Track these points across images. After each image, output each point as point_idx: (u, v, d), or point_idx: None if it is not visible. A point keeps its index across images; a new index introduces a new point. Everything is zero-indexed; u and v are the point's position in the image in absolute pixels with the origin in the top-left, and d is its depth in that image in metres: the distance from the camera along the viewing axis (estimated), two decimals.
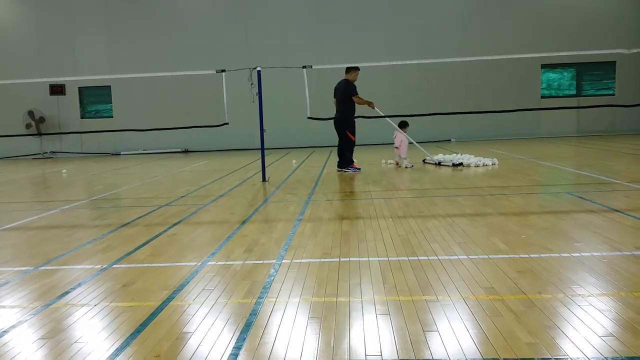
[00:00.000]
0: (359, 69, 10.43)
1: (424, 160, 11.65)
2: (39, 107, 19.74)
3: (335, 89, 10.67)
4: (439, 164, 11.10)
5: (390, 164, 11.56)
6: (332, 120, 10.66)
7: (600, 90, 18.94)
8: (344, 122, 10.44)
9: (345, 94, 10.33)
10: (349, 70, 10.43)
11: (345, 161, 10.60)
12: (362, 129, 11.25)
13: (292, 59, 16.56)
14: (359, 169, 10.61)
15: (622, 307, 3.08)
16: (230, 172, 11.53)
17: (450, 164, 10.81)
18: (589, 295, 3.29)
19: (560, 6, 18.48)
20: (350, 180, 9.40)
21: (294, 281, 3.80)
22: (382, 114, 10.83)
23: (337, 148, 10.85)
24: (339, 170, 10.64)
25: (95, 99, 20.21)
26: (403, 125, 11.23)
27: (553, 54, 16.20)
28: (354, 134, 10.49)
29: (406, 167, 10.80)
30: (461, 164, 10.69)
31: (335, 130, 10.69)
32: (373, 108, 10.48)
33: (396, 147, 11.07)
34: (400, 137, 11.01)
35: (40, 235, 5.93)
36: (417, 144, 11.60)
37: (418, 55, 16.84)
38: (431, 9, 18.74)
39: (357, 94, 10.32)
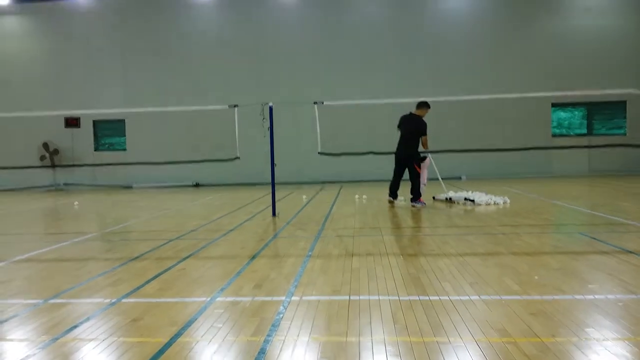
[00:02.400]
0: (430, 107, 10.37)
1: (434, 197, 11.62)
2: (54, 139, 20.09)
3: (402, 121, 10.58)
4: (450, 200, 11.06)
5: (401, 200, 11.52)
6: (341, 156, 10.70)
7: (612, 129, 18.94)
8: (412, 157, 10.41)
9: (419, 130, 10.25)
10: (420, 105, 10.34)
11: (416, 193, 10.40)
12: (380, 164, 11.08)
13: (303, 94, 16.81)
14: (425, 203, 10.47)
15: (638, 352, 3.01)
16: (240, 207, 11.56)
17: (461, 201, 10.77)
18: (604, 340, 3.23)
19: (570, 46, 18.68)
20: (360, 217, 9.38)
21: (303, 319, 3.76)
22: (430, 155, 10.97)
23: (409, 182, 10.58)
24: (413, 206, 10.41)
25: (109, 132, 20.53)
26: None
27: (563, 93, 16.35)
28: (419, 165, 10.48)
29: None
30: (472, 201, 10.65)
31: (395, 164, 10.60)
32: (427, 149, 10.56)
33: (423, 184, 10.92)
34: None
35: (51, 268, 5.95)
36: (440, 178, 11.64)
37: (427, 93, 16.99)
38: (441, 47, 19.03)
39: (426, 134, 10.28)
